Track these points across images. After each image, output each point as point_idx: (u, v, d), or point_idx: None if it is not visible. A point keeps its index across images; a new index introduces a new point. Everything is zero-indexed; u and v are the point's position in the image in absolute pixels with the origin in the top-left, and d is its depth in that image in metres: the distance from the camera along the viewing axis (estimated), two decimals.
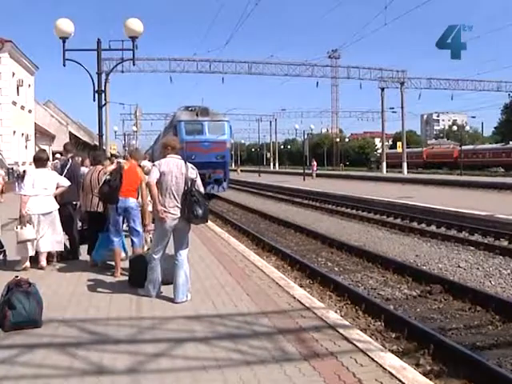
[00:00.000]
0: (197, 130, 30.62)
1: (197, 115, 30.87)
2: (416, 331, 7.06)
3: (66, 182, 9.75)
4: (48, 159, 10.08)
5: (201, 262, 9.96)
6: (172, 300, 7.12)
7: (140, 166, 9.98)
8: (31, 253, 9.15)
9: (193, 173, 7.20)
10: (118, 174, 8.57)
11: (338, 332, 5.80)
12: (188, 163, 7.36)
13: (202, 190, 7.25)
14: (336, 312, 7.66)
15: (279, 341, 5.54)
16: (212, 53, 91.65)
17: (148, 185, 7.29)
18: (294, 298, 7.26)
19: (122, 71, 47.89)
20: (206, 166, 27.70)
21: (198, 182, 7.23)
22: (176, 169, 7.16)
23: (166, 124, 37.49)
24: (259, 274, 8.91)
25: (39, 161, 9.71)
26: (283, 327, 5.98)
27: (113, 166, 9.25)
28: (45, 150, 11.08)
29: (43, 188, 9.27)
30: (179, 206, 7.07)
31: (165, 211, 7.03)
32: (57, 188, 9.51)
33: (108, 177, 8.67)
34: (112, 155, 24.57)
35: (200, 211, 6.98)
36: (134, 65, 21.63)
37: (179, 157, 7.40)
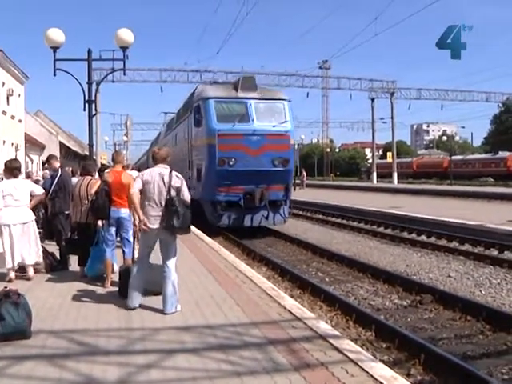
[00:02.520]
0: (237, 114, 18.52)
1: (236, 90, 18.84)
2: (407, 341, 7.05)
3: (40, 190, 9.66)
4: (18, 168, 9.74)
5: (191, 272, 9.92)
6: (161, 311, 7.09)
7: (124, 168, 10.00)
8: (10, 265, 9.02)
9: (177, 181, 7.14)
10: (103, 191, 8.54)
11: (328, 342, 5.78)
12: (173, 172, 7.29)
13: (187, 198, 7.18)
14: (327, 322, 7.65)
15: (270, 351, 5.52)
16: (202, 63, 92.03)
17: (129, 195, 7.28)
18: (285, 308, 7.24)
19: (113, 81, 47.78)
20: (255, 179, 17.78)
21: (183, 190, 7.16)
22: (159, 178, 7.14)
23: (180, 111, 25.44)
24: (250, 284, 8.89)
25: (10, 170, 9.32)
26: (274, 338, 5.96)
27: (97, 184, 9.12)
28: (16, 159, 10.83)
29: (14, 199, 9.03)
30: (162, 215, 7.06)
31: (145, 223, 7.03)
32: (31, 197, 9.39)
33: (94, 198, 8.71)
34: (102, 165, 23.28)
35: (177, 221, 6.93)
36: (124, 75, 21.97)
37: (166, 166, 7.37)
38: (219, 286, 8.71)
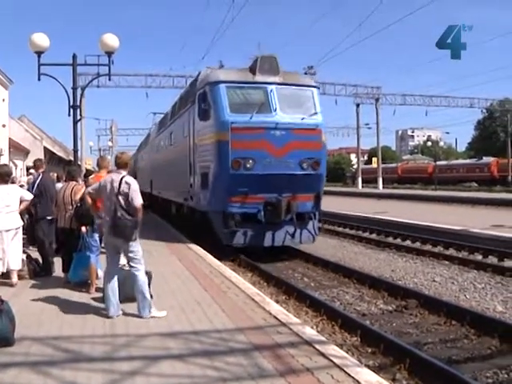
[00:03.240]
0: (255, 102, 14.77)
1: (253, 73, 15.01)
2: (392, 346, 7.06)
3: (29, 196, 9.61)
4: (9, 174, 9.71)
5: (176, 278, 9.89)
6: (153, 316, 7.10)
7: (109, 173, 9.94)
8: (1, 269, 8.99)
9: (125, 187, 7.10)
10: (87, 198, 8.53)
11: (314, 348, 5.78)
12: (127, 176, 7.27)
13: (136, 204, 7.09)
14: (312, 328, 7.64)
15: (255, 357, 5.51)
16: (188, 68, 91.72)
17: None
18: (270, 313, 7.23)
19: (98, 86, 47.60)
20: (279, 185, 14.21)
21: (133, 196, 7.09)
22: (110, 184, 7.17)
23: (176, 104, 21.34)
24: (235, 290, 8.87)
25: (2, 176, 9.29)
26: (259, 343, 5.95)
27: (82, 191, 9.11)
28: (6, 165, 10.79)
29: (5, 205, 9.00)
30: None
31: (101, 229, 7.14)
32: (21, 202, 9.35)
33: (78, 204, 8.70)
34: (87, 170, 22.86)
35: (115, 228, 7.01)
36: (109, 80, 21.79)
37: (122, 172, 7.37)
38: (204, 292, 8.68)
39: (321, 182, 15.49)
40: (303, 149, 14.44)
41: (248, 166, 14.01)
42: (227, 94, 14.53)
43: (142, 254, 7.40)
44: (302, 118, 14.62)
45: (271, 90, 14.65)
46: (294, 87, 15.35)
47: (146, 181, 31.48)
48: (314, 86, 16.00)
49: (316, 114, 15.06)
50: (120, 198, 7.05)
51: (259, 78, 14.83)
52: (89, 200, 7.52)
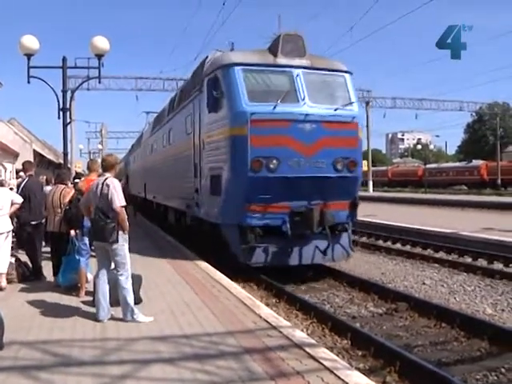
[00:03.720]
0: (279, 89, 12.30)
1: (274, 54, 12.55)
2: (382, 349, 7.08)
3: (19, 199, 9.56)
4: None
5: (167, 282, 9.87)
6: (137, 321, 7.06)
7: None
8: None
9: (105, 188, 7.09)
10: (77, 200, 8.51)
11: (304, 351, 5.78)
12: (110, 178, 7.23)
13: (115, 205, 7.04)
14: (302, 331, 7.67)
15: (246, 360, 5.50)
16: (178, 71, 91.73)
17: None
18: (261, 317, 7.22)
19: (88, 89, 47.51)
20: (308, 191, 11.92)
21: (113, 198, 7.05)
22: (95, 188, 7.21)
23: (176, 97, 18.89)
24: (226, 293, 8.86)
25: None
26: (250, 347, 5.95)
27: (71, 194, 9.08)
28: None
29: None
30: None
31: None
32: (11, 205, 9.31)
33: (67, 207, 8.68)
34: (77, 173, 22.55)
35: (95, 230, 7.06)
36: (99, 83, 21.62)
37: (107, 174, 7.37)
38: (195, 295, 8.67)
39: (357, 186, 13.24)
40: (337, 146, 12.02)
41: (271, 166, 11.53)
42: (244, 78, 11.96)
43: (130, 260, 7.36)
44: (336, 109, 12.17)
45: (297, 75, 12.19)
46: (323, 72, 12.83)
47: (138, 184, 30.09)
48: (347, 72, 13.22)
49: (351, 104, 12.65)
50: (101, 200, 7.06)
51: (282, 60, 12.36)
52: (84, 212, 7.55)
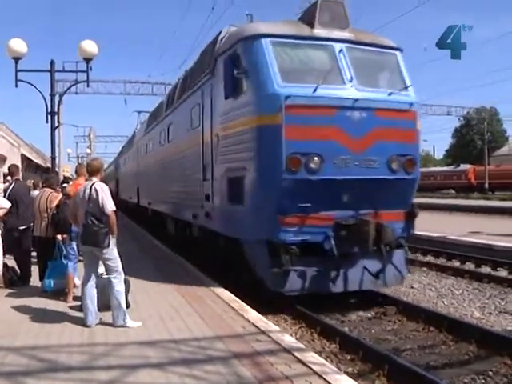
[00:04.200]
0: (318, 67, 9.90)
1: (310, 26, 9.95)
2: (371, 353, 7.09)
3: (7, 204, 9.49)
4: None
5: (155, 286, 9.84)
6: (125, 326, 7.03)
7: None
8: None
9: (93, 193, 7.07)
10: (64, 205, 8.48)
11: (293, 355, 5.78)
12: (97, 183, 7.21)
13: (107, 210, 7.04)
14: (291, 335, 7.67)
15: (234, 365, 5.49)
16: (166, 75, 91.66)
17: None
18: (249, 321, 7.22)
19: (76, 93, 47.08)
20: (357, 197, 9.50)
21: (103, 201, 7.03)
22: (82, 192, 7.18)
23: (179, 84, 15.92)
24: (214, 297, 8.84)
25: None
26: (238, 351, 5.94)
27: (58, 198, 9.05)
28: None
29: None
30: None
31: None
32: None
33: (54, 211, 8.65)
34: (65, 178, 22.28)
35: (87, 235, 7.00)
36: (88, 86, 21.60)
37: (93, 178, 7.35)
38: (183, 300, 8.64)
39: (414, 190, 10.71)
40: (392, 140, 9.63)
41: (312, 166, 9.02)
42: (275, 53, 9.42)
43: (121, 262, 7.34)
44: (390, 94, 9.83)
45: (340, 51, 9.74)
46: (370, 48, 10.34)
47: (130, 189, 27.80)
48: (398, 49, 10.76)
49: (406, 88, 10.16)
50: (90, 204, 7.03)
51: (320, 31, 9.90)
52: (71, 216, 7.53)
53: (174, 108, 15.79)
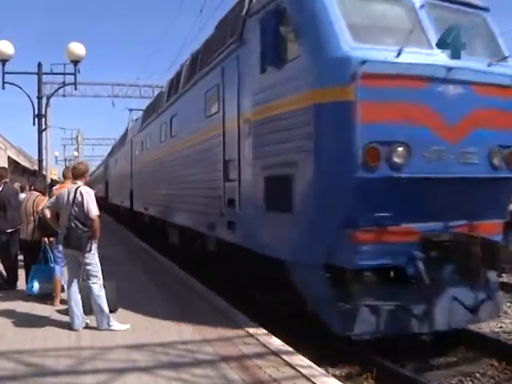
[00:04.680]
0: (396, 25, 7.09)
1: None
2: (359, 355, 7.08)
3: None
4: None
5: (143, 289, 9.80)
6: (112, 330, 7.00)
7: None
8: None
9: (79, 197, 7.02)
10: None
11: (281, 358, 5.78)
12: (82, 186, 7.15)
13: (91, 214, 7.01)
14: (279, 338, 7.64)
15: (222, 368, 5.48)
16: (155, 77, 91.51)
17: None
18: (237, 324, 7.21)
19: (64, 95, 46.97)
20: (446, 204, 6.74)
21: (88, 206, 6.99)
22: (66, 196, 7.12)
23: (187, 62, 13.14)
24: (201, 301, 8.82)
25: None
26: (226, 354, 5.92)
27: (45, 201, 8.99)
28: None
29: None
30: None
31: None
32: None
33: (41, 215, 8.60)
34: (52, 181, 21.95)
35: (70, 239, 6.96)
36: (75, 89, 21.44)
37: (78, 182, 7.29)
38: (170, 303, 8.61)
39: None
40: (494, 126, 7.07)
41: (397, 160, 6.53)
42: (339, 3, 6.81)
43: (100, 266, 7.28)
44: (489, 65, 7.26)
45: (422, 6, 7.29)
46: (456, 6, 7.78)
47: (122, 192, 25.61)
48: (487, 9, 8.12)
49: (505, 58, 7.60)
50: (75, 208, 6.99)
51: None
52: (47, 214, 7.46)
53: (178, 96, 13.25)
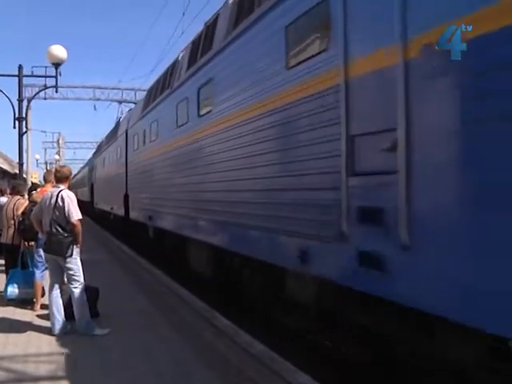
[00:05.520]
0: None
1: None
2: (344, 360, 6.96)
3: None
4: None
5: (131, 296, 9.74)
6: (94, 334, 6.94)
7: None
8: None
9: (60, 201, 6.94)
10: (31, 212, 8.34)
11: (264, 364, 5.76)
12: (64, 190, 7.10)
13: (72, 219, 6.94)
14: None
15: (205, 374, 5.45)
16: (137, 81, 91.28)
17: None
18: (218, 328, 7.19)
19: (45, 98, 46.68)
20: None
21: (69, 210, 6.91)
22: (48, 200, 7.07)
23: None
24: (184, 306, 8.79)
25: None
26: (208, 359, 5.90)
27: (25, 205, 8.92)
28: None
29: None
30: None
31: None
32: None
33: (20, 218, 8.53)
34: (33, 184, 21.53)
35: (50, 244, 6.91)
36: (56, 92, 21.32)
37: (61, 185, 7.23)
38: (151, 306, 8.56)
39: None
40: None
41: None
42: None
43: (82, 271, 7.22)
44: None
45: None
46: None
47: (112, 196, 21.25)
48: None
49: None
50: (56, 212, 6.93)
51: None
52: (35, 223, 7.39)
53: (229, 42, 8.56)
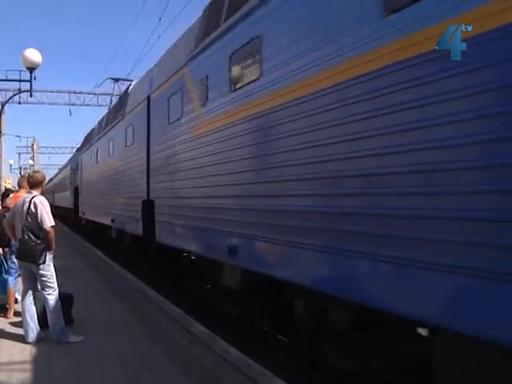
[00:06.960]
0: None
1: None
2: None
3: None
4: None
5: (105, 302, 9.68)
6: (68, 342, 6.87)
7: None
8: None
9: (33, 207, 6.86)
10: (2, 218, 8.25)
11: (239, 370, 5.76)
12: (37, 196, 7.02)
13: (45, 225, 6.86)
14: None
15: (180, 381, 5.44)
16: (112, 86, 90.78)
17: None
18: (194, 334, 7.17)
19: (19, 102, 46.10)
20: None
21: (42, 217, 6.84)
22: (21, 206, 7.00)
23: None
24: (160, 312, 8.75)
25: None
26: (184, 365, 5.88)
27: None
28: None
29: None
30: None
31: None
32: None
33: None
34: (7, 190, 20.99)
35: (22, 251, 6.85)
36: (31, 96, 21.09)
37: (34, 191, 7.15)
38: (127, 313, 8.52)
39: None
40: None
41: None
42: None
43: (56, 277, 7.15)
44: None
45: None
46: None
47: (114, 205, 15.16)
48: None
49: None
50: (29, 219, 6.87)
51: None
52: (8, 230, 7.30)
53: None
